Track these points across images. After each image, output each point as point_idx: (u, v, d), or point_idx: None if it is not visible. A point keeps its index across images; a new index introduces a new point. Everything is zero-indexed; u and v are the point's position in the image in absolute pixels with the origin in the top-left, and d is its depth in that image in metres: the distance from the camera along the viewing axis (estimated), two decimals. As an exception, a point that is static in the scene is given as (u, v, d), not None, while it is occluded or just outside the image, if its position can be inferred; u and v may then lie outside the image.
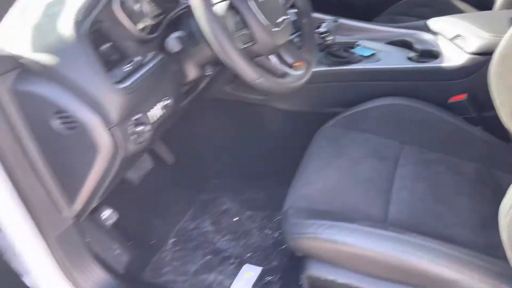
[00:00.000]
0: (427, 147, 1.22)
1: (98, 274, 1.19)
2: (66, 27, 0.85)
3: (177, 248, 1.47)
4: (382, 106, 1.32)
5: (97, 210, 1.24)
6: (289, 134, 1.55)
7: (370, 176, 1.13)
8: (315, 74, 1.38)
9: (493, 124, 1.11)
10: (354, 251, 0.94)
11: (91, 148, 0.90)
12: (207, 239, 1.48)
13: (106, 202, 1.27)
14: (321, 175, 1.14)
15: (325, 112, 1.43)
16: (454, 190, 1.10)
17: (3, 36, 0.90)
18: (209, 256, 1.41)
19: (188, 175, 1.70)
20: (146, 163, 1.57)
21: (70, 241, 1.11)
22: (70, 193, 1.04)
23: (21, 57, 0.85)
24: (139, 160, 1.51)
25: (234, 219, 1.54)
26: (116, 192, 1.28)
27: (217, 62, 1.08)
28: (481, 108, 1.26)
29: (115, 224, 1.33)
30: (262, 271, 1.32)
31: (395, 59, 1.39)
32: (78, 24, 0.84)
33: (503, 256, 0.80)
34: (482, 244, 0.96)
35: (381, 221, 1.01)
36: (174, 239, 1.51)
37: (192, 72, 1.10)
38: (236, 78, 1.50)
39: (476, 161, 1.20)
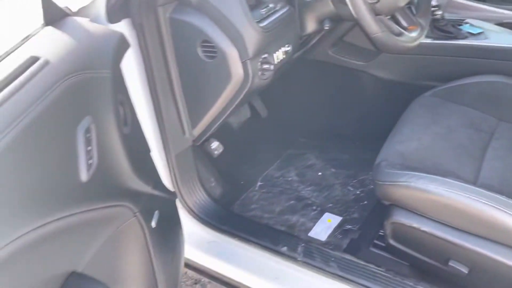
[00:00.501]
0: None
1: (200, 195, 1.37)
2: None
3: (263, 190, 1.62)
4: (482, 83, 1.36)
5: (207, 139, 1.41)
6: (382, 102, 1.63)
7: (464, 144, 1.20)
8: (419, 46, 1.45)
9: None
10: (443, 201, 1.02)
11: (224, 77, 1.05)
12: (292, 187, 1.62)
13: (214, 135, 1.44)
14: (416, 136, 1.22)
15: (422, 84, 1.49)
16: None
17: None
18: (292, 201, 1.55)
19: (279, 130, 1.84)
20: (245, 112, 1.73)
21: (185, 161, 1.29)
22: (195, 117, 1.21)
23: (182, -10, 1.01)
24: (240, 108, 1.67)
25: (319, 174, 1.66)
26: (220, 131, 1.45)
27: (335, 18, 1.19)
28: None
29: (215, 159, 1.50)
30: (342, 220, 1.43)
31: (501, 39, 1.41)
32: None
33: None
34: None
35: (472, 183, 1.08)
36: (261, 183, 1.66)
37: (311, 26, 1.21)
38: (339, 42, 1.60)
39: None
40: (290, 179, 1.67)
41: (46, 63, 0.63)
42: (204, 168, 1.44)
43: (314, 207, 1.51)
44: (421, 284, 1.07)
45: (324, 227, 1.41)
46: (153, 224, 0.89)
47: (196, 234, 1.34)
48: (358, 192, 1.55)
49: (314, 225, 1.43)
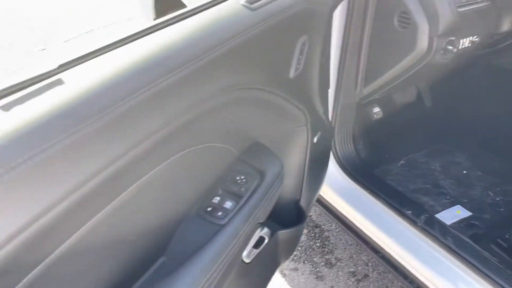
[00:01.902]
0: None
1: (348, 148, 1.57)
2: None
3: (404, 169, 1.75)
4: None
5: (371, 103, 1.59)
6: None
7: None
8: None
9: None
10: None
11: (409, 46, 1.22)
12: (432, 174, 1.71)
13: (378, 102, 1.62)
14: None
15: None
16: None
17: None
18: (428, 186, 1.65)
19: (437, 123, 1.91)
20: (411, 93, 1.84)
21: (347, 114, 1.50)
22: (370, 77, 1.40)
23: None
24: (408, 88, 1.80)
25: (463, 172, 1.71)
26: (384, 102, 1.62)
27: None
28: None
29: (372, 123, 1.68)
30: (472, 216, 1.49)
31: None
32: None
33: None
34: None
35: None
36: (404, 162, 1.78)
37: (507, 25, 1.28)
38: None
39: None
40: (433, 167, 1.75)
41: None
42: (360, 127, 1.63)
43: (448, 197, 1.59)
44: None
45: (451, 215, 1.49)
46: (315, 140, 1.13)
47: (336, 177, 1.55)
48: (497, 199, 1.57)
49: (442, 210, 1.52)
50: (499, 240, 1.35)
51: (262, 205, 0.87)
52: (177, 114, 0.63)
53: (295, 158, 1.11)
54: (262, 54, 0.82)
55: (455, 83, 1.81)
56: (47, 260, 0.48)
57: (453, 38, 1.21)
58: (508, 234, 1.30)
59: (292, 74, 0.91)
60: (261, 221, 0.93)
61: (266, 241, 0.96)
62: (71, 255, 0.52)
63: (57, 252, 0.49)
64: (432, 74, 1.41)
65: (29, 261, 0.47)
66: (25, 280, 0.46)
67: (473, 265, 1.18)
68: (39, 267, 0.48)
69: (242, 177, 0.89)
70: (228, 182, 0.88)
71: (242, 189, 0.86)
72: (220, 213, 0.81)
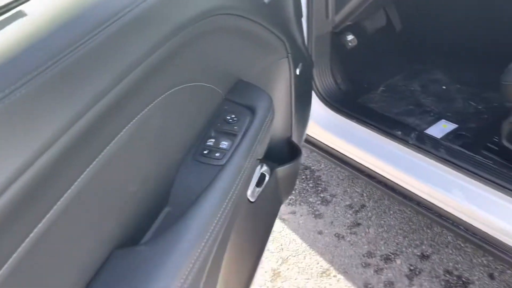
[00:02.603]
0: None
1: (328, 81, 1.54)
2: None
3: (385, 94, 1.74)
4: None
5: (344, 31, 1.55)
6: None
7: None
8: None
9: None
10: None
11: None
12: (413, 95, 1.71)
13: (350, 29, 1.58)
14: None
15: None
16: None
17: None
18: (411, 106, 1.65)
19: (409, 45, 1.90)
20: (381, 19, 1.81)
21: (323, 44, 1.46)
22: (339, 3, 1.35)
23: None
24: (376, 13, 1.77)
25: (443, 87, 1.71)
26: (355, 28, 1.58)
27: None
28: None
29: (347, 53, 1.64)
30: (458, 128, 1.50)
31: None
32: None
33: None
34: None
35: None
36: (383, 88, 1.77)
37: None
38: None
39: None
40: (412, 89, 1.75)
41: None
42: (337, 59, 1.60)
43: (432, 114, 1.59)
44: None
45: (438, 130, 1.50)
46: (297, 71, 1.09)
47: (320, 112, 1.53)
48: (479, 107, 1.58)
49: (429, 127, 1.52)
50: (489, 144, 1.37)
51: (259, 140, 0.84)
52: (159, 41, 0.57)
53: (280, 93, 1.07)
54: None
55: (420, 3, 1.79)
56: (48, 215, 0.43)
57: None
58: (496, 137, 1.32)
59: (266, -1, 0.85)
60: (260, 158, 0.90)
61: (267, 178, 0.93)
62: (73, 208, 0.47)
63: (59, 204, 0.44)
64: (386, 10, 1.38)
65: (30, 213, 0.42)
66: (28, 238, 0.41)
67: (469, 170, 1.19)
68: (41, 224, 0.43)
69: (233, 115, 0.84)
70: (220, 123, 0.83)
71: (235, 127, 0.82)
72: (218, 154, 0.77)
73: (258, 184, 0.91)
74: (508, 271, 1.43)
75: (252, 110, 0.87)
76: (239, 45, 0.86)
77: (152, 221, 0.69)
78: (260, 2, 0.84)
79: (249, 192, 0.85)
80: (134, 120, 0.57)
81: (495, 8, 1.66)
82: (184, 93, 0.70)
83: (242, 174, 0.77)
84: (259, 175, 0.89)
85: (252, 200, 0.87)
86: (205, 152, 0.77)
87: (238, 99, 0.88)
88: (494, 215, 1.12)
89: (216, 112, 0.85)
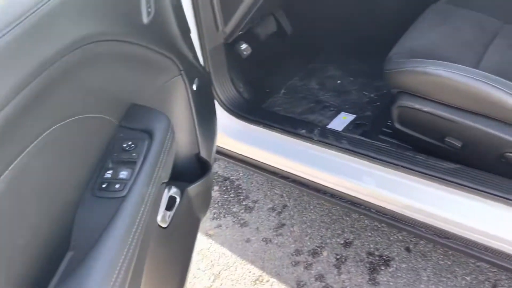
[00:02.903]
0: None
1: (231, 91, 1.56)
2: None
3: (287, 96, 1.80)
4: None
5: (237, 41, 1.58)
6: (399, 15, 1.74)
7: (468, 41, 1.32)
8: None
9: None
10: (442, 81, 1.16)
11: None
12: (312, 93, 1.79)
13: (243, 39, 1.61)
14: (425, 35, 1.35)
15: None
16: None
17: None
18: (312, 104, 1.73)
19: (302, 46, 1.98)
20: (271, 25, 1.87)
21: (218, 56, 1.47)
22: (227, 14, 1.37)
23: None
24: (266, 19, 1.83)
25: (337, 82, 1.82)
26: (249, 37, 1.61)
27: None
28: None
29: (244, 62, 1.67)
30: (356, 118, 1.60)
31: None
32: None
33: None
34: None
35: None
36: (285, 91, 1.84)
37: None
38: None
39: None
40: (311, 87, 1.83)
41: None
42: (235, 69, 1.62)
43: (332, 108, 1.68)
44: (420, 155, 1.24)
45: (339, 122, 1.59)
46: (194, 87, 1.08)
47: (226, 124, 1.54)
48: (372, 95, 1.70)
49: (330, 121, 1.61)
50: (384, 129, 1.47)
51: (161, 163, 0.81)
52: (24, 80, 0.53)
53: (180, 112, 1.06)
54: (105, 2, 0.73)
55: (306, 5, 1.88)
56: None
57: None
58: (389, 122, 1.42)
59: (145, 19, 0.83)
60: (165, 181, 0.87)
61: (178, 200, 0.91)
62: None
63: None
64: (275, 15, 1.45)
65: None
66: None
67: (370, 156, 1.27)
68: None
69: (130, 142, 0.81)
70: (116, 152, 0.80)
71: (134, 154, 0.79)
72: (117, 186, 0.73)
73: (169, 208, 0.88)
74: (421, 242, 1.54)
75: (149, 134, 0.85)
76: (125, 70, 0.83)
77: (54, 269, 0.64)
78: (139, 24, 0.82)
79: (159, 218, 0.83)
80: (9, 169, 0.52)
81: (375, 5, 1.80)
82: (68, 129, 0.66)
83: (147, 202, 0.74)
84: (168, 198, 0.87)
85: (164, 225, 0.84)
86: (103, 185, 0.73)
87: (134, 124, 0.86)
88: (397, 194, 1.21)
89: (111, 142, 0.82)
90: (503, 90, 1.10)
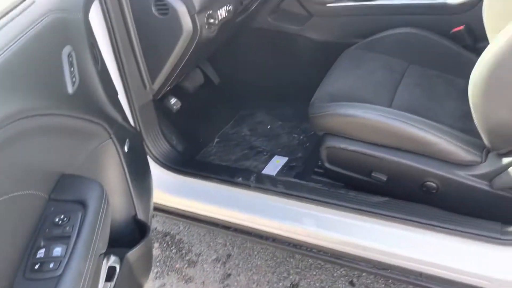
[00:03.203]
0: (429, 66, 1.52)
1: (164, 146, 1.56)
2: None
3: (220, 145, 1.83)
4: (396, 34, 1.62)
5: (166, 96, 1.59)
6: (317, 60, 1.87)
7: (380, 81, 1.45)
8: (344, 8, 1.71)
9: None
10: (362, 121, 1.26)
11: (177, 30, 1.25)
12: (245, 140, 1.84)
13: (172, 93, 1.63)
14: (342, 79, 1.46)
15: (349, 42, 1.74)
16: (445, 95, 1.41)
17: None
18: (246, 150, 1.77)
19: (230, 95, 2.05)
20: (199, 78, 1.92)
21: (148, 113, 1.47)
22: (154, 72, 1.39)
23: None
24: (193, 72, 1.87)
25: (268, 127, 1.88)
26: (177, 91, 1.64)
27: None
28: (476, 38, 1.56)
29: (175, 116, 1.69)
30: (289, 160, 1.66)
31: (409, -2, 1.69)
32: None
33: (475, 135, 1.11)
34: (461, 127, 1.27)
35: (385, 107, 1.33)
36: (218, 139, 1.87)
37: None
38: (277, 9, 1.82)
39: (467, 78, 1.50)
40: (243, 134, 1.88)
41: (33, 2, 0.81)
42: (166, 123, 1.63)
43: (265, 153, 1.73)
44: (351, 192, 1.31)
45: (273, 166, 1.64)
46: (126, 148, 1.07)
47: (162, 179, 1.52)
48: (301, 137, 1.79)
49: (265, 166, 1.65)
50: (316, 169, 1.54)
51: (97, 234, 0.79)
52: None
53: (113, 175, 1.04)
54: (27, 75, 0.72)
55: (229, 52, 1.95)
56: None
57: (210, 12, 1.28)
58: (319, 161, 1.49)
59: (70, 89, 0.83)
60: (103, 251, 0.84)
61: (118, 269, 0.88)
62: None
63: None
64: (207, 49, 1.49)
65: None
66: None
67: (305, 197, 1.32)
68: None
69: (62, 216, 0.78)
70: (48, 228, 0.76)
71: (67, 228, 0.76)
72: (51, 265, 0.70)
73: (109, 278, 0.85)
74: (364, 275, 1.60)
75: (82, 204, 0.82)
76: (53, 141, 0.81)
77: None
78: (64, 95, 0.81)
79: (99, 292, 0.79)
80: None
81: (290, 57, 1.92)
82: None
83: (86, 278, 0.71)
84: (107, 269, 0.84)
85: (105, 298, 0.81)
86: (36, 266, 0.70)
87: (65, 196, 0.83)
88: (334, 231, 1.26)
89: (41, 218, 0.78)
90: (414, 125, 1.21)
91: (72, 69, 0.84)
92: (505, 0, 1.29)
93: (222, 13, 1.34)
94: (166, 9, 1.22)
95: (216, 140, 1.86)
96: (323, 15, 1.77)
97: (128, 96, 1.38)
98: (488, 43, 1.32)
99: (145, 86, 1.40)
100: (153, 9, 1.23)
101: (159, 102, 1.53)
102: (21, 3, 0.80)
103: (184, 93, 1.80)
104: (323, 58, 1.84)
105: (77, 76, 0.86)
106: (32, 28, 0.77)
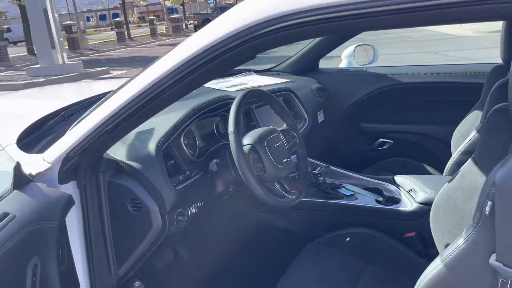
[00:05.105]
0: (385, 268, 1.61)
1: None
2: (151, 148, 1.38)
3: None
4: (354, 233, 1.75)
5: (130, 280, 1.62)
6: (278, 246, 1.97)
7: (339, 282, 1.52)
8: (308, 203, 1.87)
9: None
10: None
11: (147, 226, 1.35)
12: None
13: (138, 276, 1.66)
14: (302, 279, 1.53)
15: (312, 233, 1.86)
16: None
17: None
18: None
19: (198, 271, 2.07)
20: (169, 255, 1.97)
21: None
22: (121, 259, 1.45)
23: (120, 161, 1.36)
24: (164, 251, 1.93)
25: None
26: (144, 273, 1.69)
27: (238, 183, 1.58)
28: (426, 244, 1.69)
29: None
30: None
31: (367, 200, 1.86)
32: (159, 147, 1.38)
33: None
34: None
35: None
36: None
37: (220, 187, 1.59)
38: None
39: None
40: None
41: (14, 217, 0.92)
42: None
43: None
44: None
45: None
46: None
47: None
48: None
49: None
50: None
51: None
52: None
53: None
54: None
55: (203, 235, 2.04)
56: None
57: (181, 210, 1.41)
58: None
59: None
60: None
61: None
62: None
63: None
64: (179, 237, 1.59)
65: None
66: None
67: None
68: None
69: None
70: None
71: None
72: None
73: None
74: None
75: None
76: None
77: None
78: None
79: None
80: None
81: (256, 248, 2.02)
82: None
83: None
84: None
85: None
86: None
87: None
88: None
89: None
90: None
91: (34, 279, 0.91)
92: (448, 217, 1.44)
93: (192, 209, 1.47)
94: (140, 207, 1.35)
95: None
96: (278, 208, 1.92)
97: (91, 279, 1.42)
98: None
99: (110, 271, 1.45)
100: (128, 205, 1.36)
101: (123, 285, 1.56)
102: (3, 218, 0.91)
103: (151, 271, 1.83)
104: (285, 244, 1.94)
105: (38, 284, 0.92)
106: (6, 244, 0.86)
